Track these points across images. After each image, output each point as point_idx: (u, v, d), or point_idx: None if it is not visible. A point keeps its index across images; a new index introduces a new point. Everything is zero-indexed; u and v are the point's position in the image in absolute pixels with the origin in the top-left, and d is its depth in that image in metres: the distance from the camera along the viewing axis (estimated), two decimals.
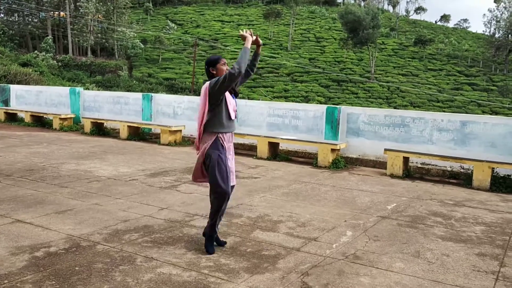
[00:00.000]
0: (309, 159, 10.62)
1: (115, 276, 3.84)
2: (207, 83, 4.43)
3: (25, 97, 17.77)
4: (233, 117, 4.52)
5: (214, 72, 4.51)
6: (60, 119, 14.91)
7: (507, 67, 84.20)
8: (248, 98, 47.18)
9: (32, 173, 7.86)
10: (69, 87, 17.13)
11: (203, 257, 4.35)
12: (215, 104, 4.41)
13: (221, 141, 4.45)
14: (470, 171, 8.67)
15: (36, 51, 58.09)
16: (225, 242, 4.71)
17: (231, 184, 4.54)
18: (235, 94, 4.66)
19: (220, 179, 4.36)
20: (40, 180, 7.34)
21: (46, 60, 53.49)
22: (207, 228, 4.58)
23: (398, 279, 4.03)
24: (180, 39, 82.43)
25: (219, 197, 4.40)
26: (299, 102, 52.30)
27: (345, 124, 10.61)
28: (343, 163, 9.87)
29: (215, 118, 4.43)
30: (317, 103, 52.07)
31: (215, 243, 4.60)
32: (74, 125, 15.08)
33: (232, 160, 4.61)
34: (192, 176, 4.73)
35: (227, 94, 4.47)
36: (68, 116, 15.20)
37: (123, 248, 4.50)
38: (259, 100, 42.63)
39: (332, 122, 10.63)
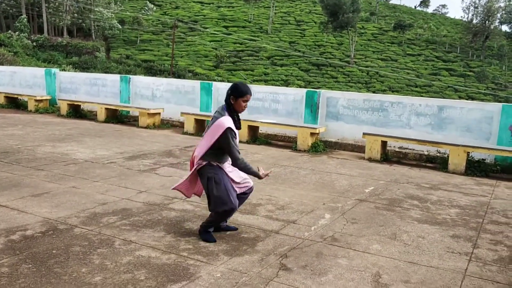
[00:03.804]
0: (288, 143, 10.67)
1: (93, 259, 3.82)
2: (225, 125, 4.13)
3: None
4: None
5: (232, 102, 4.25)
6: (36, 100, 14.61)
7: (484, 53, 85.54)
8: (228, 81, 46.96)
9: (7, 156, 7.71)
10: (45, 68, 16.75)
11: (182, 239, 4.35)
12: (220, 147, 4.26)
13: (215, 165, 4.30)
14: (446, 155, 8.82)
15: (10, 31, 56.46)
16: (236, 228, 4.72)
17: (249, 185, 4.51)
18: (239, 125, 4.39)
19: (224, 198, 4.21)
20: (15, 163, 7.21)
21: (20, 40, 52.09)
22: (202, 226, 4.48)
23: (375, 260, 4.10)
24: (159, 20, 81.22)
25: (225, 213, 4.30)
26: (279, 85, 52.25)
27: (325, 108, 10.65)
28: (322, 147, 9.94)
29: (215, 152, 4.26)
30: (297, 87, 52.12)
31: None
32: (50, 107, 14.81)
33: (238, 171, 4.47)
34: (182, 187, 4.50)
35: (236, 132, 4.26)
36: (44, 97, 14.91)
37: (101, 231, 4.47)
38: None
39: (312, 106, 10.66)
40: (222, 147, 4.21)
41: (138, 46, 71.00)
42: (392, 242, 4.57)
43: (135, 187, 6.17)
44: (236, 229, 4.70)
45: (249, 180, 4.56)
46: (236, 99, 4.25)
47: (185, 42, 75.04)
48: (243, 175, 4.51)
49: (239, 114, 4.39)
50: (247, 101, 4.28)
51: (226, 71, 64.38)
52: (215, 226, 4.51)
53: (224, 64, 67.38)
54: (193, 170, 4.37)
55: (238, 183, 4.44)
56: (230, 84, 4.57)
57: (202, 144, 4.27)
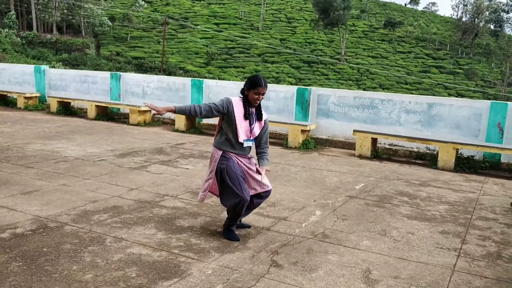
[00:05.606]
0: (279, 140, 10.68)
1: (84, 256, 3.81)
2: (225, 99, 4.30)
3: None
4: (240, 139, 4.26)
5: (246, 93, 4.28)
6: (25, 98, 14.48)
7: (473, 51, 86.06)
8: (219, 79, 46.86)
9: None
10: (34, 65, 16.60)
11: (174, 237, 4.36)
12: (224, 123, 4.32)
13: (229, 156, 4.29)
14: (435, 152, 8.90)
15: None
16: (249, 226, 4.76)
17: (260, 190, 4.40)
18: (259, 117, 4.39)
19: (235, 188, 4.18)
20: (4, 161, 7.15)
21: (9, 37, 51.44)
22: (225, 225, 4.50)
23: (365, 256, 4.13)
24: (149, 17, 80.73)
25: (237, 204, 4.22)
26: (269, 83, 52.12)
27: (315, 105, 10.68)
28: (313, 144, 9.98)
29: (223, 135, 4.33)
30: (288, 84, 52.16)
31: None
32: (39, 104, 14.69)
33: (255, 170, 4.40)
34: (208, 190, 4.47)
35: (239, 117, 4.24)
36: (33, 95, 14.78)
37: (92, 228, 4.46)
38: (229, 80, 42.35)
39: (303, 103, 10.69)
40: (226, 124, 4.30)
41: (129, 43, 70.54)
42: (382, 238, 4.61)
43: (126, 184, 6.15)
44: (249, 226, 4.72)
45: (269, 184, 4.47)
46: (248, 90, 4.27)
47: (176, 39, 74.70)
48: (266, 180, 4.43)
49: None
50: (259, 93, 4.22)
51: (217, 68, 64.17)
52: (235, 223, 4.48)
53: (215, 61, 67.19)
54: (213, 168, 4.34)
55: (258, 181, 4.37)
56: (220, 81, 4.60)
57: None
